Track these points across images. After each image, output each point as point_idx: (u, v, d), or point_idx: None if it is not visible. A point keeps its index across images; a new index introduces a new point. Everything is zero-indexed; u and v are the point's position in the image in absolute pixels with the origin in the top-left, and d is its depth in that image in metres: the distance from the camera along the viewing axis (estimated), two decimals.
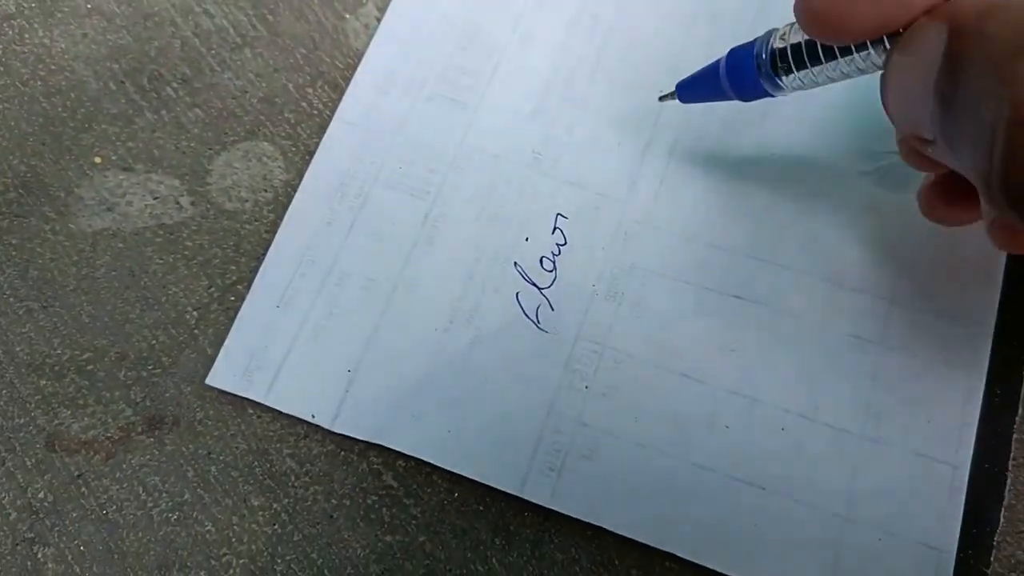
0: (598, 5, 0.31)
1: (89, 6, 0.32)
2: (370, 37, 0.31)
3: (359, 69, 0.30)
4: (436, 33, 0.30)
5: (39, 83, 0.30)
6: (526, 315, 0.27)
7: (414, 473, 0.26)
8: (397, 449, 0.25)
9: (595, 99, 0.29)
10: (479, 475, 0.25)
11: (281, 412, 0.26)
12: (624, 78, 0.30)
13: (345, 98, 0.29)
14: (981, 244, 0.26)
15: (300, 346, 0.26)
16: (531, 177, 0.28)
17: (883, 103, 0.21)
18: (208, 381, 0.26)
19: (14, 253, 0.28)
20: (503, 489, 0.25)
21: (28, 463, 0.26)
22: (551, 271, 0.27)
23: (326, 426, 0.26)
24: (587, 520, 0.25)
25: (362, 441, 0.26)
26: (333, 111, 0.30)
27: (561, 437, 0.25)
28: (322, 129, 0.30)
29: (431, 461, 0.25)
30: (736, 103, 0.25)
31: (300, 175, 0.29)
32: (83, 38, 0.31)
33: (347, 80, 0.30)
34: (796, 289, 0.27)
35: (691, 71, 0.27)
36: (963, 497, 0.25)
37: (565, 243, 0.28)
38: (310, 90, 0.30)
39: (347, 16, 0.31)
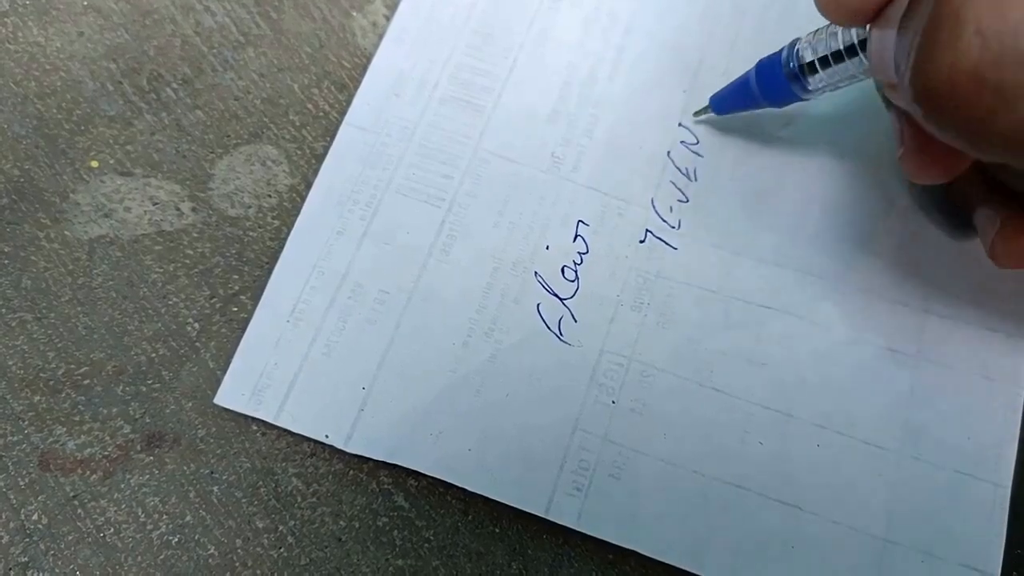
0: (615, 2, 0.29)
1: (85, 3, 0.30)
2: (379, 36, 0.30)
3: (368, 71, 0.29)
4: (448, 32, 0.29)
5: (33, 83, 0.29)
6: (548, 327, 0.25)
7: (427, 494, 0.25)
8: (415, 469, 0.24)
9: (615, 99, 0.28)
10: (502, 496, 0.24)
11: (286, 430, 0.25)
12: (645, 77, 0.29)
13: (354, 102, 0.28)
14: None
15: (312, 363, 0.25)
16: (550, 182, 0.27)
17: (870, 63, 0.21)
18: (216, 401, 0.25)
19: (7, 262, 0.27)
20: (528, 511, 0.24)
21: (21, 483, 0.25)
22: (573, 281, 0.26)
23: (340, 447, 0.24)
24: (616, 543, 0.23)
25: (372, 460, 0.25)
26: (340, 112, 0.29)
27: (588, 455, 0.24)
28: (328, 131, 0.28)
29: (451, 482, 0.24)
30: (768, 110, 0.25)
31: (306, 180, 0.28)
32: (79, 36, 0.30)
33: (354, 80, 0.29)
34: (828, 299, 0.26)
35: (713, 68, 0.26)
36: (1006, 516, 0.24)
37: (587, 251, 0.26)
38: (316, 91, 0.29)
39: (354, 14, 0.30)
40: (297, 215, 0.27)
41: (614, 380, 0.25)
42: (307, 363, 0.25)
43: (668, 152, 0.28)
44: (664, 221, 0.27)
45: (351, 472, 0.25)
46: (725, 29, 0.29)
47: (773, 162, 0.27)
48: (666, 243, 0.27)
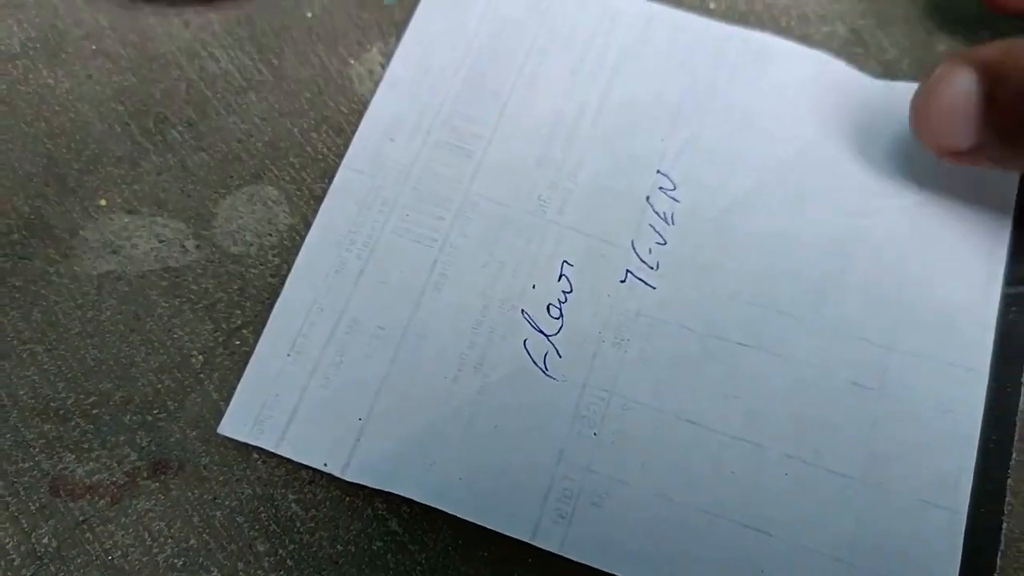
0: (602, 49, 0.31)
1: (94, 47, 0.32)
2: (375, 83, 0.31)
3: (365, 116, 0.30)
4: (441, 80, 0.31)
5: (43, 123, 0.31)
6: (534, 362, 0.27)
7: (419, 520, 0.26)
8: (409, 497, 0.26)
9: (599, 145, 0.30)
10: (491, 523, 0.25)
11: (286, 457, 0.26)
12: (626, 123, 0.30)
13: (352, 146, 0.30)
14: (975, 293, 0.27)
15: (311, 394, 0.27)
16: (537, 224, 0.29)
17: (914, 128, 0.26)
18: (220, 431, 0.26)
19: (18, 295, 0.28)
20: (515, 537, 0.25)
21: (32, 508, 0.26)
22: (558, 318, 0.28)
23: (337, 474, 0.26)
24: (596, 567, 0.25)
25: (367, 487, 0.26)
26: (338, 155, 0.30)
27: (571, 484, 0.26)
28: (326, 174, 0.30)
29: (443, 509, 0.25)
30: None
31: (305, 219, 0.29)
32: (88, 79, 0.31)
33: (352, 125, 0.31)
34: (798, 337, 0.27)
35: (689, 118, 0.29)
36: (960, 541, 0.25)
37: (571, 291, 0.28)
38: (315, 135, 0.31)
39: (352, 62, 0.32)
40: (297, 253, 0.29)
41: (596, 413, 0.27)
42: (306, 394, 0.27)
43: (647, 197, 0.29)
44: (643, 262, 0.29)
45: (347, 499, 0.26)
46: (703, 79, 0.31)
47: (749, 203, 0.29)
48: (645, 283, 0.28)
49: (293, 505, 0.26)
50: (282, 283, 0.28)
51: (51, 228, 0.29)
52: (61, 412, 0.27)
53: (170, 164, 0.30)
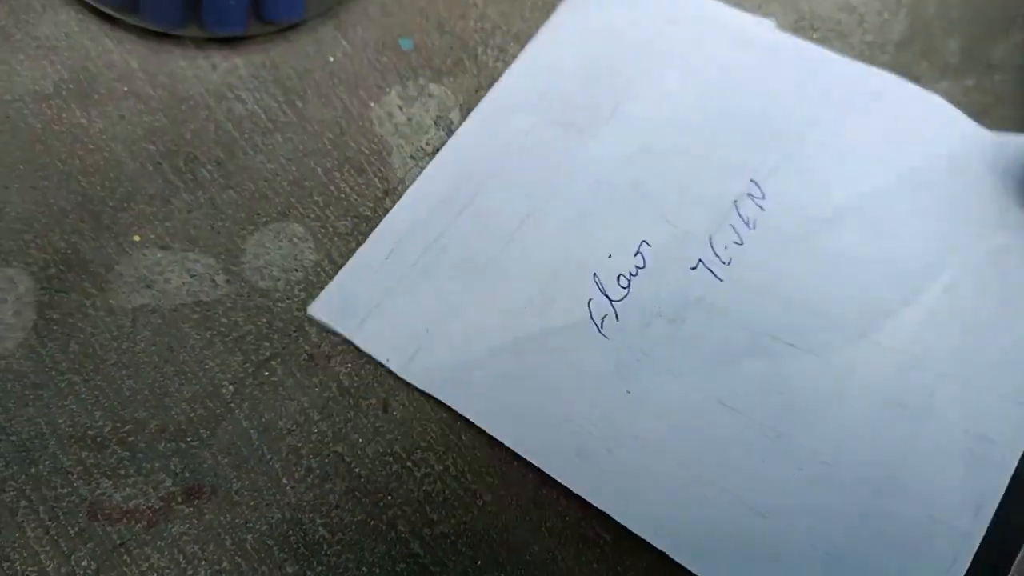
0: (725, 63, 0.35)
1: (125, 88, 0.33)
2: (394, 125, 0.33)
3: (490, 93, 0.34)
4: (564, 71, 0.35)
5: (77, 162, 0.32)
6: (592, 320, 0.30)
7: (440, 541, 0.28)
8: (452, 407, 0.28)
9: (700, 145, 0.33)
10: (517, 445, 0.28)
11: (314, 483, 0.28)
12: (730, 129, 0.33)
13: (474, 114, 0.33)
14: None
15: (391, 299, 0.30)
16: (628, 206, 0.32)
17: None
18: (308, 311, 0.30)
19: (56, 328, 0.30)
20: (533, 462, 0.28)
21: (71, 532, 0.27)
22: (625, 288, 0.30)
23: (396, 371, 0.29)
24: (594, 503, 0.27)
25: (391, 511, 0.27)
26: (359, 195, 0.32)
27: (595, 429, 0.28)
28: (348, 212, 0.32)
29: (478, 424, 0.28)
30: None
31: (329, 256, 0.31)
32: (120, 120, 0.33)
33: (372, 165, 0.32)
34: (851, 348, 0.29)
35: (795, 134, 0.33)
36: (967, 563, 0.27)
37: (644, 266, 0.31)
38: (337, 174, 0.32)
39: (372, 104, 0.34)
40: (322, 288, 0.30)
41: (634, 373, 0.29)
42: (387, 298, 0.30)
43: (735, 200, 0.32)
44: (716, 256, 0.31)
45: (372, 522, 0.28)
46: (812, 103, 0.34)
47: (827, 225, 0.32)
48: (714, 274, 0.31)
49: (320, 529, 0.28)
50: (308, 317, 0.30)
51: (87, 263, 0.30)
52: (98, 440, 0.28)
53: (200, 202, 0.32)
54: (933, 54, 0.37)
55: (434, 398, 0.29)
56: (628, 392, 0.29)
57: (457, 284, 0.30)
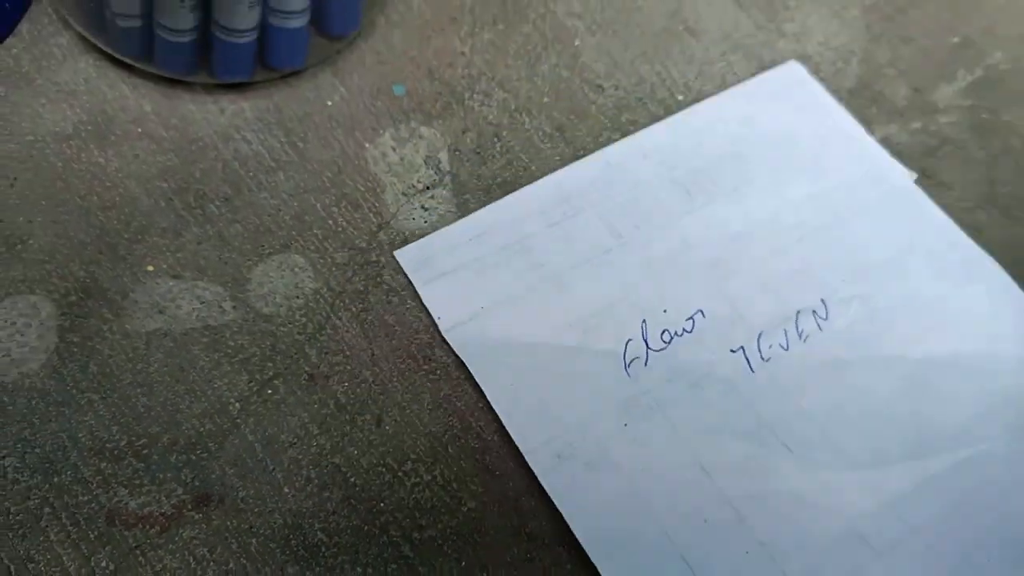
0: (840, 193, 0.37)
1: (140, 130, 0.36)
2: (388, 165, 0.36)
3: (632, 138, 0.38)
4: (709, 142, 0.38)
5: (95, 198, 0.35)
6: (623, 357, 0.33)
7: (428, 544, 0.30)
8: (474, 376, 0.32)
9: (792, 248, 0.36)
10: (512, 428, 0.31)
11: (313, 492, 0.30)
12: (824, 248, 0.36)
13: (610, 148, 0.37)
14: None
15: (465, 271, 0.34)
16: (702, 274, 0.34)
17: None
18: (396, 253, 0.34)
19: (76, 350, 0.32)
20: (518, 445, 0.31)
21: (91, 536, 0.30)
22: (665, 343, 0.33)
23: (442, 331, 0.33)
24: (560, 508, 0.30)
25: (383, 517, 0.30)
26: (356, 228, 0.35)
27: (583, 442, 0.31)
28: (345, 244, 0.35)
29: (488, 396, 0.32)
30: None
31: (328, 284, 0.34)
32: (135, 159, 0.36)
33: (367, 201, 0.35)
34: (837, 473, 0.31)
35: (882, 279, 0.35)
36: None
37: (691, 331, 0.33)
38: (335, 209, 0.35)
39: (367, 145, 0.37)
40: (321, 315, 0.33)
41: (637, 412, 0.32)
42: (461, 270, 0.34)
43: (798, 311, 0.34)
44: (759, 350, 0.33)
45: (366, 527, 0.30)
46: (909, 262, 0.36)
47: (872, 366, 0.34)
48: (749, 363, 0.33)
49: (319, 533, 0.30)
50: (308, 340, 0.33)
51: (105, 291, 0.33)
52: (116, 452, 0.31)
53: (209, 235, 0.35)
54: (882, 99, 0.40)
55: (425, 413, 0.32)
56: (625, 425, 0.32)
57: (523, 283, 0.34)
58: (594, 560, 0.30)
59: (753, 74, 0.40)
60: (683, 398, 0.32)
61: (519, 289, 0.34)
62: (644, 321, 0.33)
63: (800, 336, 0.34)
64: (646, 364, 0.33)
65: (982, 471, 0.32)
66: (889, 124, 0.39)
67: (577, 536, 0.30)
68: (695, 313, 0.34)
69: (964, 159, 0.39)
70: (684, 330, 0.34)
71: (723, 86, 0.40)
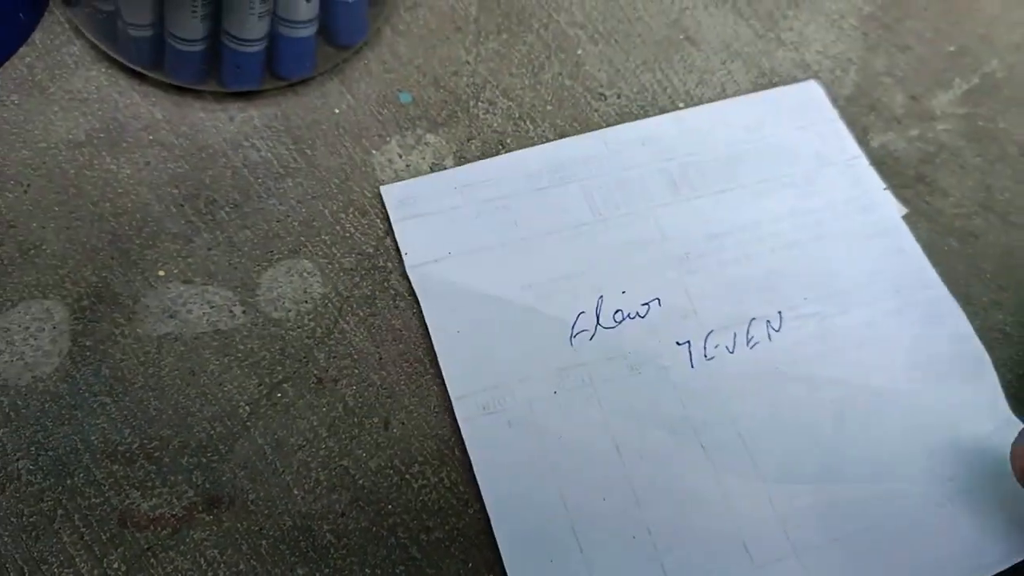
0: (824, 213, 0.38)
1: (151, 138, 0.37)
2: (395, 172, 0.37)
3: (636, 124, 0.39)
4: (713, 142, 0.39)
5: (108, 204, 0.35)
6: (571, 327, 0.33)
7: (435, 545, 0.31)
8: (425, 316, 0.34)
9: (763, 260, 0.36)
10: (447, 373, 0.33)
11: (322, 494, 0.31)
12: (794, 264, 0.36)
13: (619, 128, 0.38)
14: None
15: (441, 215, 0.35)
16: (670, 265, 0.35)
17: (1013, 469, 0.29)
18: (381, 188, 0.36)
19: (89, 354, 0.33)
20: (448, 390, 0.32)
21: (103, 537, 0.30)
22: (616, 323, 0.34)
23: (407, 265, 0.34)
24: (471, 458, 0.31)
25: (391, 519, 0.31)
26: (363, 233, 0.35)
27: (511, 400, 0.32)
28: (352, 250, 0.35)
29: (432, 337, 0.33)
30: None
31: (336, 289, 0.34)
32: (146, 166, 0.36)
33: (374, 207, 0.36)
34: (748, 482, 0.31)
35: (839, 296, 0.35)
36: None
37: (643, 317, 0.34)
38: (343, 215, 0.36)
39: (374, 152, 0.37)
40: (328, 318, 0.34)
41: (570, 383, 0.33)
42: (438, 214, 0.35)
43: (753, 318, 0.34)
44: (703, 349, 0.34)
45: (374, 529, 0.31)
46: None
47: (814, 392, 0.34)
48: (691, 359, 0.33)
49: (328, 535, 0.31)
50: (317, 344, 0.33)
51: (117, 295, 0.34)
52: (128, 455, 0.31)
53: (219, 240, 0.35)
54: (880, 107, 0.41)
55: (432, 416, 0.32)
56: (555, 393, 0.32)
57: (495, 237, 0.35)
58: (491, 515, 0.30)
59: (753, 82, 0.41)
60: (617, 378, 0.33)
61: (489, 242, 0.35)
62: (601, 297, 0.34)
63: (748, 342, 0.34)
64: (591, 338, 0.34)
65: (886, 509, 0.31)
66: (887, 132, 0.40)
67: (480, 488, 0.31)
68: (652, 300, 0.35)
69: (961, 166, 0.40)
70: (637, 314, 0.34)
71: (723, 94, 0.40)
